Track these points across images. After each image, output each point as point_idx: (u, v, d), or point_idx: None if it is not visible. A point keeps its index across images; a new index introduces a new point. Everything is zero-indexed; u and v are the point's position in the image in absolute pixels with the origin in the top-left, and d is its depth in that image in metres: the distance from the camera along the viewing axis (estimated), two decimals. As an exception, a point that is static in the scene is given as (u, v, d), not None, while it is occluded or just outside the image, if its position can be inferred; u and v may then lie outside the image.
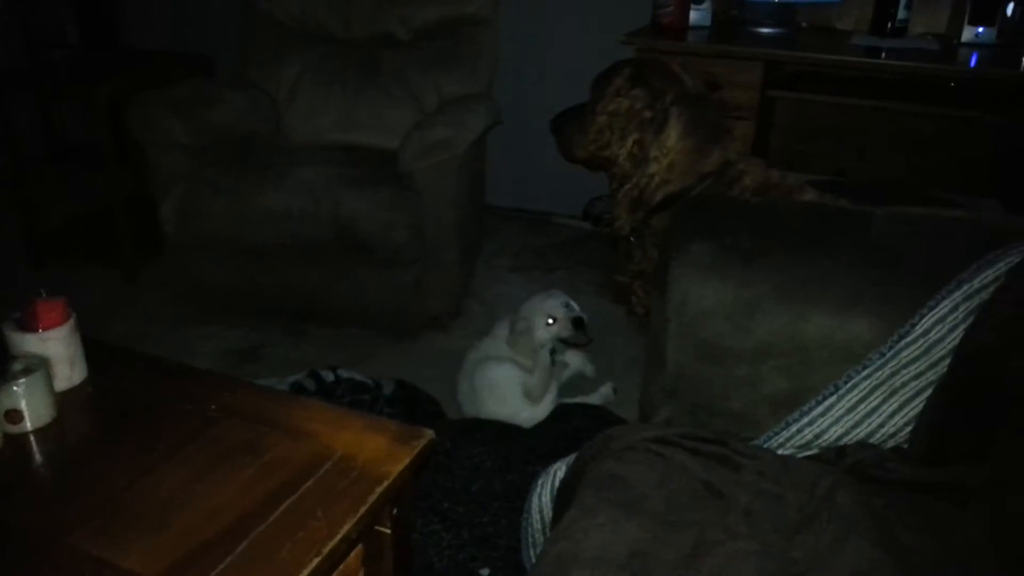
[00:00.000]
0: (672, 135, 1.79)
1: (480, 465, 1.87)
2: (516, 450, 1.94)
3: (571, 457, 1.39)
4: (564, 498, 1.32)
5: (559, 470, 1.42)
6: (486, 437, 1.98)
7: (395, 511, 1.14)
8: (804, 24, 2.84)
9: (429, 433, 1.16)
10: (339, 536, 0.98)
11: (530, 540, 1.49)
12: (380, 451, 1.12)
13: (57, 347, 1.22)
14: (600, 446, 1.31)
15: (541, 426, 2.07)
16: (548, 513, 1.43)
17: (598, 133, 1.91)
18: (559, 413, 2.11)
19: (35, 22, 3.41)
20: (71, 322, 1.24)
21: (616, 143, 1.88)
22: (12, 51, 3.43)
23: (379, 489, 1.05)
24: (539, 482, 1.47)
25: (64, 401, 1.21)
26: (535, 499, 1.46)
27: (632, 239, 1.92)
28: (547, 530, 1.43)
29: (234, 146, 2.63)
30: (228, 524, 0.98)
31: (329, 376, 2.14)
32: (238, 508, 1.01)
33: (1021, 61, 2.44)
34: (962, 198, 2.39)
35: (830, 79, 2.68)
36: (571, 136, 2.00)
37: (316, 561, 0.94)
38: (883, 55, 2.53)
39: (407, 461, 1.11)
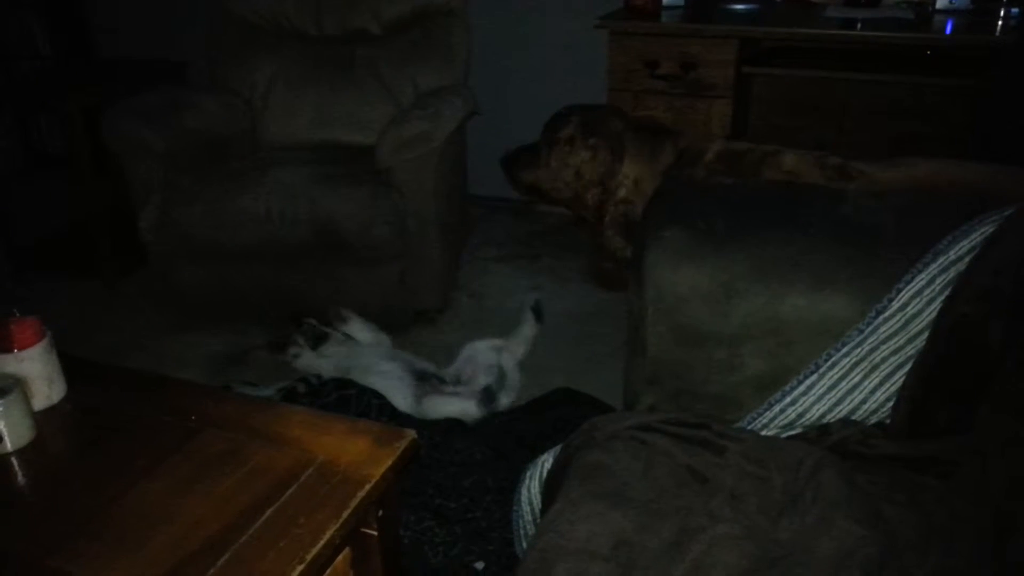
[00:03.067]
0: (627, 160, 1.90)
1: (471, 459, 1.87)
2: (506, 442, 1.94)
3: (558, 448, 1.39)
4: (552, 489, 1.32)
5: (546, 461, 1.43)
6: (476, 430, 1.98)
7: (381, 512, 1.14)
8: (778, -1, 2.83)
9: (411, 433, 1.16)
10: (322, 542, 0.97)
11: (522, 532, 1.50)
12: (362, 454, 1.12)
13: (33, 366, 1.21)
14: (585, 436, 1.31)
15: (530, 416, 2.06)
16: (537, 504, 1.43)
17: (560, 185, 2.05)
18: (547, 403, 2.12)
19: (5, 34, 3.37)
20: (47, 340, 1.22)
21: (582, 188, 2.00)
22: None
23: (361, 493, 1.04)
24: (527, 474, 1.47)
25: (43, 420, 1.20)
26: (524, 491, 1.46)
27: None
28: (537, 521, 1.43)
29: (210, 151, 2.62)
30: (210, 537, 0.97)
31: (313, 380, 2.14)
32: (220, 520, 1.00)
33: (996, 26, 2.43)
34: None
35: (806, 53, 2.67)
36: (526, 175, 2.14)
37: (300, 568, 0.93)
38: (858, 26, 2.53)
39: (389, 463, 1.10)
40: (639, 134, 1.92)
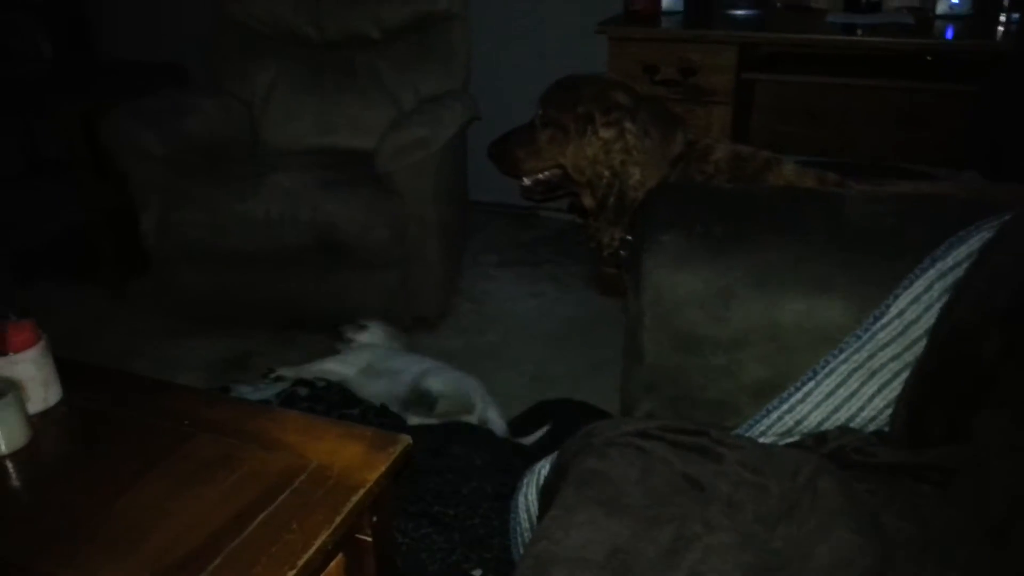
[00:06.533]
0: (648, 140, 1.74)
1: (469, 465, 1.86)
2: (505, 448, 1.94)
3: (555, 454, 1.38)
4: (548, 496, 1.31)
5: (543, 468, 1.42)
6: (475, 436, 1.97)
7: (375, 518, 1.13)
8: (778, 4, 2.83)
9: (405, 439, 1.16)
10: (314, 548, 0.97)
11: (519, 539, 1.49)
12: (356, 459, 1.11)
13: (28, 369, 1.21)
14: (582, 442, 1.30)
15: (529, 423, 2.05)
16: (535, 511, 1.42)
17: (588, 165, 1.81)
18: (545, 410, 2.11)
19: (5, 36, 3.38)
20: (42, 343, 1.23)
21: (595, 174, 1.79)
22: (-15, 68, 3.40)
23: (355, 498, 1.04)
24: (524, 481, 1.46)
25: (39, 423, 1.20)
26: (521, 498, 1.45)
27: (622, 252, 1.80)
28: (534, 528, 1.42)
29: (210, 155, 2.62)
30: (201, 542, 0.97)
31: (319, 384, 2.13)
32: (211, 524, 1.00)
33: (996, 31, 2.43)
34: (944, 171, 2.38)
35: (807, 59, 2.67)
36: (522, 160, 1.95)
37: (291, 574, 0.93)
38: (859, 32, 2.52)
39: (383, 468, 1.10)
40: (652, 114, 1.76)
